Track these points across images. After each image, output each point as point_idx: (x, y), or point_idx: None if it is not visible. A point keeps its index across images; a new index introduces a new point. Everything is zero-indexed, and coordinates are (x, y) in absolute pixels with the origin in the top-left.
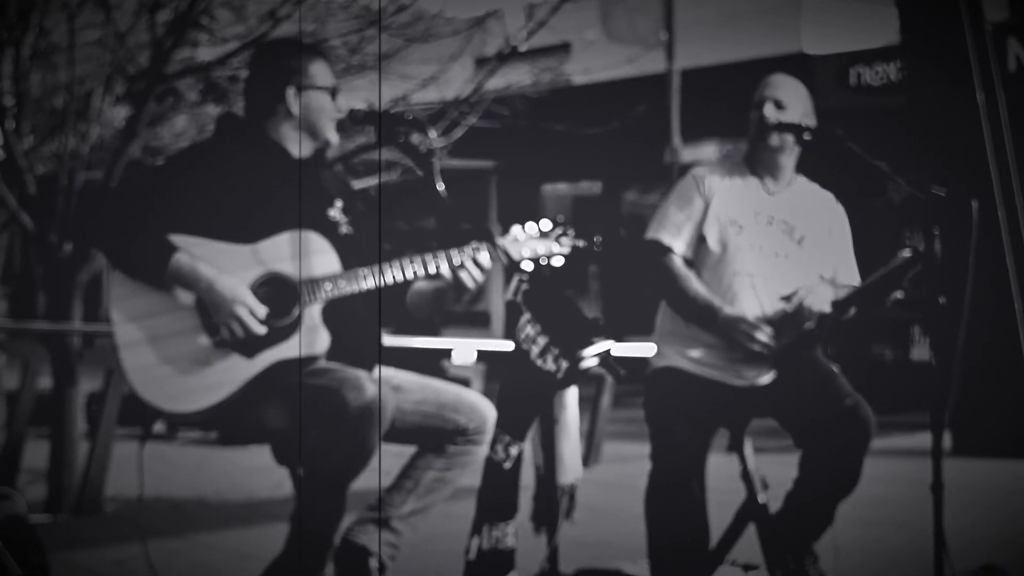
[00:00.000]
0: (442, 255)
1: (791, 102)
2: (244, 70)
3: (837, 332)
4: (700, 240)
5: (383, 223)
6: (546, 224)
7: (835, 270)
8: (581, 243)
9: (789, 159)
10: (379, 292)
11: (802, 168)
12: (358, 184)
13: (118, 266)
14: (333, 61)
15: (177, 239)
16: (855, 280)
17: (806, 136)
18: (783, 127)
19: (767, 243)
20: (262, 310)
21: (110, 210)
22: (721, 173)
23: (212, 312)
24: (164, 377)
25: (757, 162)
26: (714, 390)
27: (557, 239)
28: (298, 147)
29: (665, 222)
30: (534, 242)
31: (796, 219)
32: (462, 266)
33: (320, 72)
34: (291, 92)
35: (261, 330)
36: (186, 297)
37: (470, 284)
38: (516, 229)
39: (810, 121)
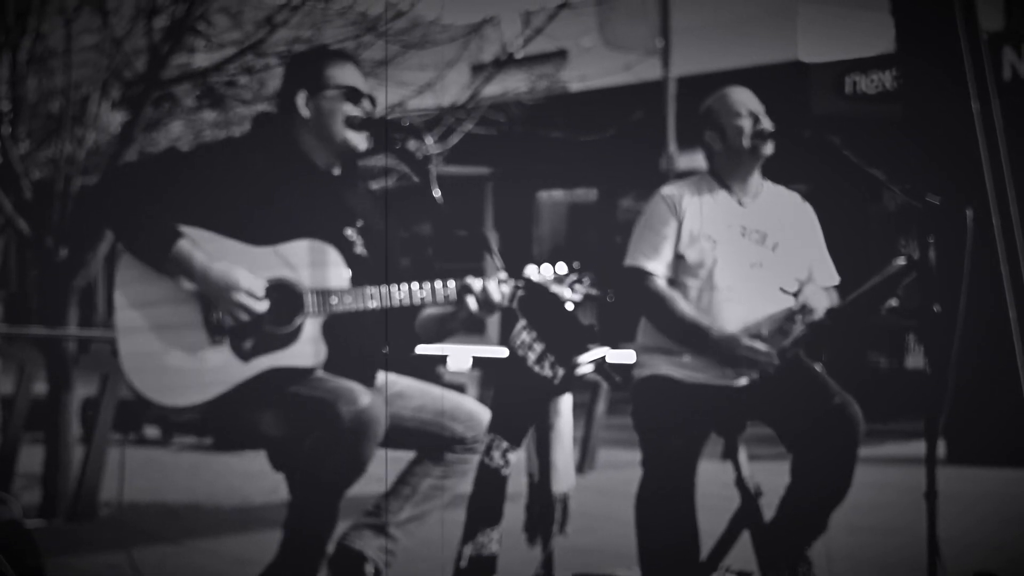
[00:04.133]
0: (452, 283)
1: (763, 112)
2: (242, 76)
3: (829, 338)
4: (678, 259)
5: (391, 238)
6: (562, 268)
7: (811, 272)
8: (594, 292)
9: (760, 166)
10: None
11: (778, 171)
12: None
13: (123, 243)
14: (362, 66)
15: (188, 231)
16: (833, 279)
17: (806, 136)
18: (777, 134)
19: (742, 255)
20: (259, 286)
21: (126, 187)
22: (690, 190)
23: (213, 303)
24: (158, 368)
25: (728, 173)
26: (700, 394)
27: (571, 285)
28: (320, 156)
29: (642, 246)
30: (547, 285)
31: (768, 226)
32: (469, 289)
33: (338, 74)
34: (301, 96)
35: (263, 307)
36: (190, 287)
37: (472, 307)
38: (531, 269)
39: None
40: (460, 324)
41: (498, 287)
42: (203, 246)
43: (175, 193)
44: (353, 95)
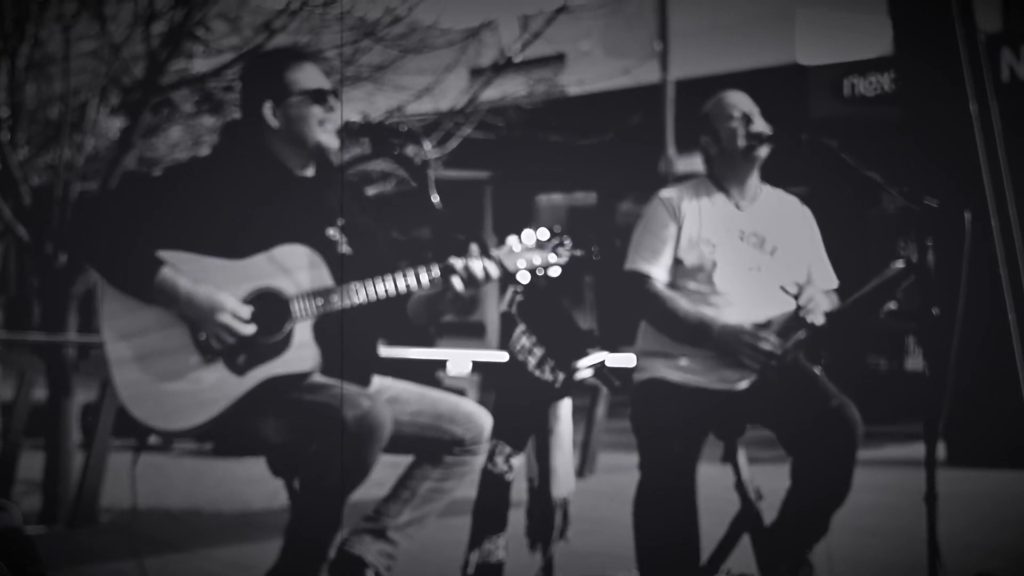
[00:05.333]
0: (435, 267)
1: (759, 115)
2: (238, 83)
3: (828, 341)
4: (677, 263)
5: (381, 240)
6: (543, 233)
7: (809, 275)
8: (578, 253)
9: (758, 169)
10: (378, 305)
11: (776, 174)
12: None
13: (107, 278)
14: (319, 62)
15: (167, 255)
16: (832, 283)
17: (804, 139)
18: (773, 137)
19: (740, 259)
20: (245, 310)
21: (103, 222)
22: (688, 193)
23: (197, 326)
24: (155, 395)
25: (725, 177)
26: (699, 397)
27: (554, 249)
28: (294, 162)
29: (641, 250)
30: (530, 252)
31: (766, 230)
32: (452, 269)
33: (301, 78)
34: (267, 107)
35: (249, 330)
36: (177, 312)
37: (458, 287)
38: (512, 239)
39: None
40: (449, 304)
41: (480, 264)
42: (184, 268)
43: (152, 219)
44: (318, 96)
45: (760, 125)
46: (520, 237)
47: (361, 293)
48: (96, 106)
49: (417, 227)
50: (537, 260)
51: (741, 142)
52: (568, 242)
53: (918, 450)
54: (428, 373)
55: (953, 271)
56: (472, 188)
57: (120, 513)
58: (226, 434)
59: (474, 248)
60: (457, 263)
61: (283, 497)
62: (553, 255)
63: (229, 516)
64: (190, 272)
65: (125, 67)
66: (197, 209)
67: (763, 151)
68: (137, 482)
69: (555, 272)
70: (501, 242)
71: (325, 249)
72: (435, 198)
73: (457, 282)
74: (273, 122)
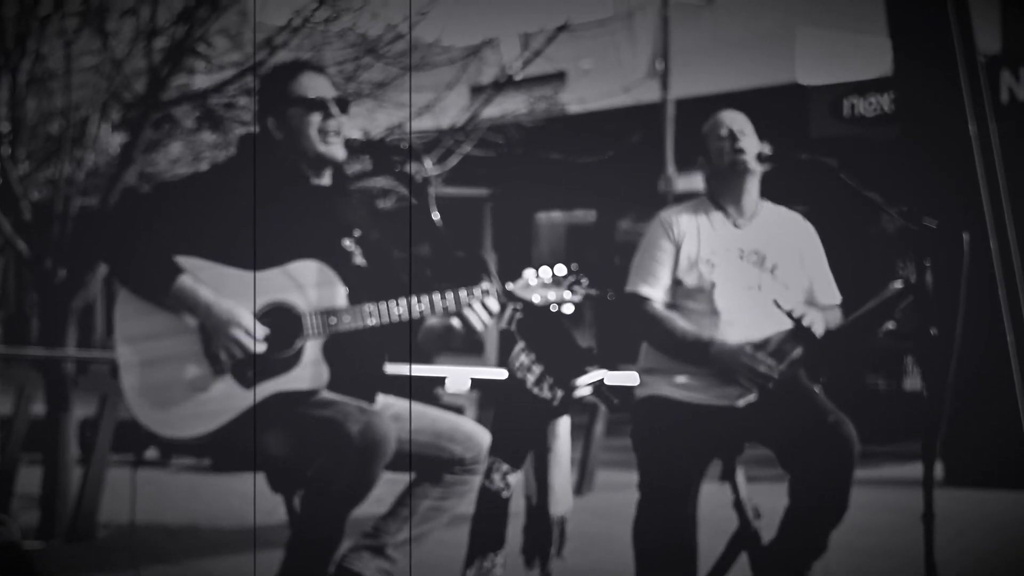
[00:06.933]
0: (450, 295)
1: (751, 132)
2: (241, 97)
3: (827, 360)
4: (677, 284)
5: (393, 253)
6: (560, 270)
7: (811, 292)
8: (594, 292)
9: (756, 186)
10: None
11: (775, 193)
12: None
13: (121, 280)
14: (325, 73)
15: (184, 261)
16: (835, 298)
17: (803, 158)
18: (772, 156)
19: (740, 278)
20: (261, 330)
21: (120, 223)
22: (687, 213)
23: (211, 336)
24: (162, 401)
25: (721, 195)
26: (700, 414)
27: (570, 287)
28: (304, 171)
29: (641, 272)
30: (546, 288)
31: (766, 248)
32: (470, 306)
33: (299, 88)
34: (271, 121)
35: (259, 348)
36: (191, 321)
37: (478, 327)
38: (529, 273)
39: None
40: (460, 336)
41: (495, 300)
42: (201, 275)
43: (169, 225)
44: (313, 105)
45: (750, 142)
46: (537, 272)
47: (375, 316)
48: (97, 121)
49: (417, 244)
50: (552, 296)
51: (727, 158)
52: (585, 281)
53: (916, 470)
54: (427, 390)
55: (951, 291)
56: (472, 205)
57: (118, 528)
58: (229, 447)
59: (488, 282)
60: (473, 298)
61: (281, 513)
62: (568, 292)
63: (226, 531)
64: (206, 280)
65: (126, 82)
66: (216, 216)
67: (751, 165)
68: (137, 497)
69: (568, 309)
70: (518, 275)
71: (340, 260)
72: (435, 215)
73: (474, 318)
74: (276, 134)
